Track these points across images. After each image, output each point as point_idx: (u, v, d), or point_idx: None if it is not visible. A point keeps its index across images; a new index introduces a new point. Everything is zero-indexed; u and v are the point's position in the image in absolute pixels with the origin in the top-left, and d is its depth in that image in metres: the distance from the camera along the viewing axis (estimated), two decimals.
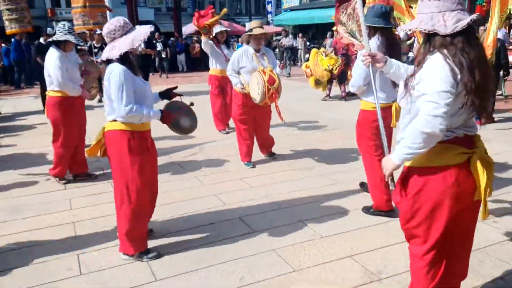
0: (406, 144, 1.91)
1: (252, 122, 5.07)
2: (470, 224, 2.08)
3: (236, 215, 3.72)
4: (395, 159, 1.99)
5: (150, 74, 14.10)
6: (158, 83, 14.33)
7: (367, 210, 3.72)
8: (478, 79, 1.80)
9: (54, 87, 4.41)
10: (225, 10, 7.47)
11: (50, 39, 4.41)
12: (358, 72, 3.41)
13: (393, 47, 3.38)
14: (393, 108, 3.07)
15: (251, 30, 4.87)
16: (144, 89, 2.96)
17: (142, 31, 2.83)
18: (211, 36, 6.63)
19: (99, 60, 3.70)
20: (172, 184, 4.54)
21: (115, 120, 2.89)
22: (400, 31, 7.31)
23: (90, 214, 3.83)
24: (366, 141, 3.63)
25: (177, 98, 3.28)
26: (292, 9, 28.56)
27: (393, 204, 3.36)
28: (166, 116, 3.04)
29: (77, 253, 3.15)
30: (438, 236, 2.00)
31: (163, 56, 17.40)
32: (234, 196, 4.16)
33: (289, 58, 17.19)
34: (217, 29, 6.78)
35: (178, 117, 3.16)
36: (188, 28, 25.91)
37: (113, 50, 2.79)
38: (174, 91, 3.30)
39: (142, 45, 10.64)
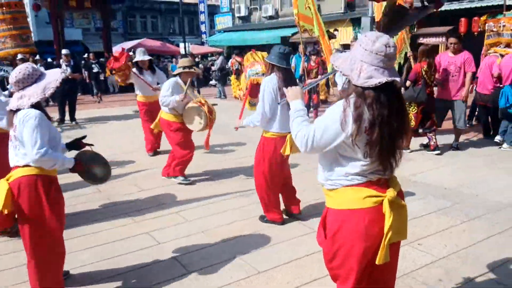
0: (294, 122, 2.15)
1: None
2: (390, 262, 2.10)
3: (171, 254, 3.60)
4: (293, 104, 2.23)
5: (78, 95, 13.48)
6: (90, 107, 13.75)
7: (262, 218, 4.23)
8: (376, 137, 1.88)
9: None
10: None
11: None
12: (267, 102, 3.83)
13: (290, 81, 3.71)
14: (288, 138, 3.74)
15: (184, 68, 5.33)
16: (57, 136, 2.90)
17: (53, 78, 2.75)
18: (128, 73, 6.73)
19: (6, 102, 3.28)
20: (101, 223, 4.30)
21: (26, 166, 2.74)
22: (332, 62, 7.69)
23: (13, 262, 3.51)
24: (262, 166, 4.03)
25: (87, 148, 3.20)
26: (225, 30, 28.92)
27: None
28: (78, 165, 2.96)
29: None
30: (357, 276, 2.06)
31: (102, 78, 16.82)
32: (169, 232, 4.03)
33: (219, 79, 16.94)
34: (138, 57, 6.83)
35: (91, 167, 3.10)
36: (119, 48, 25.31)
37: (22, 99, 2.68)
38: (83, 140, 3.22)
39: (69, 70, 10.19)
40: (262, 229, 4.04)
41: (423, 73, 6.32)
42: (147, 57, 6.84)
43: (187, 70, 5.35)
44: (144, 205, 4.79)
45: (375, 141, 1.89)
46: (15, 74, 2.70)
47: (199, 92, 15.92)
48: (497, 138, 7.03)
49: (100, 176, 3.18)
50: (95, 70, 16.68)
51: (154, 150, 7.04)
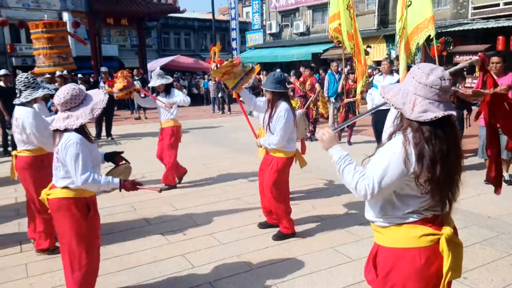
0: (345, 171, 2.00)
1: None
2: None
3: (205, 279, 3.56)
4: (334, 152, 2.08)
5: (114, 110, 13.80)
6: (125, 123, 14.07)
7: (277, 237, 4.36)
8: (439, 174, 1.80)
9: (28, 147, 4.04)
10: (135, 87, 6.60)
11: (24, 100, 3.98)
12: (286, 131, 4.16)
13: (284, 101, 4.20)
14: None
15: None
16: (98, 157, 2.98)
17: (99, 98, 2.82)
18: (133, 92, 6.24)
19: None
20: (135, 244, 4.32)
21: (66, 187, 2.84)
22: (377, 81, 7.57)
23: (49, 282, 3.57)
24: (284, 185, 4.37)
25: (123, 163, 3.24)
26: (256, 47, 29.21)
27: None
28: (126, 184, 2.95)
29: None
30: None
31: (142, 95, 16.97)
32: (203, 255, 4.01)
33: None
34: (152, 83, 6.34)
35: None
36: (154, 64, 25.93)
37: (69, 119, 2.75)
38: (121, 155, 3.26)
39: (106, 87, 10.48)
40: (297, 256, 3.95)
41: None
42: (158, 83, 6.16)
43: None
44: (178, 225, 4.80)
45: (437, 178, 1.81)
46: (62, 95, 2.75)
47: (229, 109, 16.21)
48: None
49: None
50: (137, 85, 16.84)
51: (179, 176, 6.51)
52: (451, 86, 1.84)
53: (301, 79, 10.16)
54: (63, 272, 3.25)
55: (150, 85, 6.53)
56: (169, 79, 6.36)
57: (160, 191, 3.27)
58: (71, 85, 2.87)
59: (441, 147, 1.80)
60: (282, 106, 4.17)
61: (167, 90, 6.27)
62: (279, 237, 4.35)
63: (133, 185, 2.94)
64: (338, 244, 4.19)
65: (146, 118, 15.03)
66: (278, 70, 4.38)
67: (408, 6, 7.53)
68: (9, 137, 8.64)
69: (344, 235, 4.42)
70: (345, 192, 5.81)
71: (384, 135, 2.10)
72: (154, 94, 6.46)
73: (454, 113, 1.82)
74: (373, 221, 2.06)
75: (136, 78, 11.04)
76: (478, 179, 6.09)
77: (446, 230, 1.89)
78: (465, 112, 7.46)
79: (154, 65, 25.98)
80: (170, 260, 3.93)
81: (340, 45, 9.32)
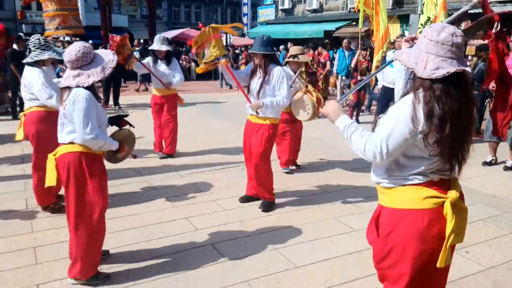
0: (352, 137, 2.00)
1: None
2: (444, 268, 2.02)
3: (208, 241, 3.60)
4: (340, 122, 2.10)
5: (123, 83, 13.78)
6: (133, 93, 14.04)
7: (268, 206, 4.30)
8: (448, 132, 1.77)
9: (37, 104, 4.03)
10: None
11: (30, 60, 3.98)
12: (289, 91, 4.17)
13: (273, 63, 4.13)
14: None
15: (293, 57, 5.30)
16: (104, 117, 2.95)
17: (109, 58, 2.79)
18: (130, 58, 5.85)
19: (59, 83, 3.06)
20: (140, 206, 4.36)
21: (72, 143, 2.82)
22: (390, 58, 7.59)
23: (53, 238, 3.62)
24: (269, 151, 4.25)
25: (127, 127, 3.27)
26: (267, 23, 28.79)
27: None
28: (122, 148, 3.05)
29: (37, 283, 2.94)
30: (408, 280, 1.96)
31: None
32: (207, 220, 4.04)
33: None
34: (154, 45, 5.97)
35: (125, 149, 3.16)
36: (166, 35, 25.71)
37: (80, 76, 2.72)
38: (125, 119, 3.27)
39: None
40: (298, 224, 3.97)
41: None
42: (164, 48, 5.90)
43: (296, 59, 5.26)
44: (182, 191, 4.83)
45: (446, 138, 1.78)
46: (74, 52, 2.71)
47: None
48: None
49: (120, 158, 3.21)
50: (136, 56, 16.55)
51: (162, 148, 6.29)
52: (464, 42, 1.79)
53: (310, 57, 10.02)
54: (68, 229, 3.30)
55: (152, 47, 6.04)
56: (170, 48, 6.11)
57: (135, 157, 3.50)
58: (82, 43, 2.82)
59: (452, 106, 1.76)
60: (277, 69, 4.07)
61: (168, 58, 5.99)
62: (267, 206, 4.28)
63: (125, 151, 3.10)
64: (340, 215, 4.20)
65: (146, 89, 14.77)
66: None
67: None
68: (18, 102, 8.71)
69: (347, 207, 4.42)
70: (350, 167, 5.80)
71: (396, 98, 2.08)
72: (150, 61, 6.05)
73: (468, 69, 1.77)
74: (379, 182, 2.04)
75: (137, 48, 10.82)
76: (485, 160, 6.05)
77: (452, 194, 1.87)
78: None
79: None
80: (174, 222, 3.97)
81: (354, 23, 9.29)
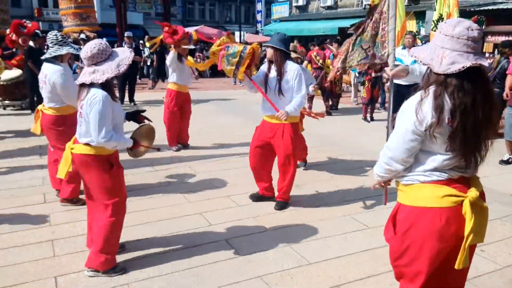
0: (378, 164, 2.07)
1: None
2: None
3: (222, 236, 3.63)
4: (375, 176, 2.14)
5: (138, 81, 13.88)
6: (149, 90, 14.16)
7: (281, 206, 4.28)
8: (459, 126, 1.76)
9: (54, 105, 4.12)
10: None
11: (48, 55, 4.05)
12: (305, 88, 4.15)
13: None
14: None
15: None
16: (120, 115, 2.99)
17: (125, 55, 2.82)
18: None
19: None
20: (156, 201, 4.42)
21: (87, 144, 2.88)
22: (399, 54, 7.54)
23: (71, 231, 3.69)
24: (296, 151, 4.22)
25: (146, 122, 3.29)
26: (281, 20, 28.70)
27: None
28: (136, 145, 3.09)
29: (55, 275, 3.01)
30: (424, 278, 1.95)
31: (148, 63, 16.81)
32: (220, 215, 4.07)
33: None
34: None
35: (141, 144, 3.20)
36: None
37: (95, 73, 2.75)
38: (142, 114, 3.30)
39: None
40: (312, 221, 3.97)
41: None
42: (191, 46, 6.44)
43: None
44: (196, 186, 4.87)
45: (457, 133, 1.76)
46: (89, 49, 2.76)
47: None
48: None
49: (141, 152, 3.26)
50: (146, 54, 16.33)
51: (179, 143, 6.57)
52: (481, 36, 1.77)
53: (314, 53, 9.94)
54: (86, 222, 3.38)
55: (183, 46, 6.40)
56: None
57: (158, 149, 3.50)
58: (98, 40, 2.87)
59: (464, 100, 1.75)
60: (293, 66, 4.04)
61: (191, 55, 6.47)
62: (283, 207, 4.26)
63: (139, 146, 3.14)
64: (354, 212, 4.19)
65: (153, 86, 14.80)
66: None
67: None
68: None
69: (361, 204, 4.40)
70: (364, 164, 5.77)
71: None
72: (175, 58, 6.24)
73: (485, 63, 1.76)
74: (398, 180, 2.03)
75: (128, 45, 10.65)
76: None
77: (472, 193, 1.85)
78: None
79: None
80: (188, 217, 4.01)
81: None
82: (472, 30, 1.76)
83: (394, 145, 1.93)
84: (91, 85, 2.79)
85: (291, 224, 3.92)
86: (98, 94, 2.76)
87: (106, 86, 2.82)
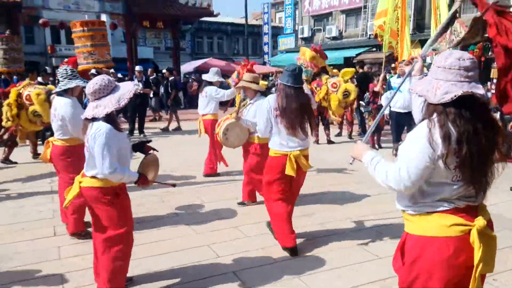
0: (376, 168, 2.02)
1: None
2: None
3: (230, 269, 3.61)
4: (365, 157, 2.11)
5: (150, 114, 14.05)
6: (159, 121, 14.35)
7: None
8: (466, 154, 1.77)
9: (62, 136, 4.22)
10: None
11: (59, 89, 4.21)
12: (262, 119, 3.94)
13: (298, 98, 3.84)
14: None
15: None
16: (126, 146, 3.04)
17: (127, 89, 2.89)
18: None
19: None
20: (163, 232, 4.43)
21: (93, 177, 2.93)
22: (394, 83, 7.60)
23: (79, 265, 3.70)
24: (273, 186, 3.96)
25: (151, 152, 3.34)
26: (288, 51, 29.22)
27: None
28: (142, 180, 3.09)
29: None
30: None
31: (151, 95, 16.78)
32: (228, 247, 4.06)
33: None
34: (209, 77, 6.92)
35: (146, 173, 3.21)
36: (187, 67, 26.41)
37: (97, 108, 2.84)
38: (148, 144, 3.35)
39: (140, 85, 10.77)
40: (321, 252, 3.94)
41: None
42: (216, 78, 6.82)
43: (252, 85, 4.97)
44: (205, 217, 4.88)
45: (465, 161, 1.78)
46: (92, 85, 2.87)
47: None
48: None
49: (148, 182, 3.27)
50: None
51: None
52: (474, 65, 1.82)
53: (315, 85, 9.08)
54: (93, 255, 3.40)
55: (206, 77, 6.92)
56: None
57: (174, 185, 3.45)
58: (101, 76, 2.97)
59: (467, 127, 1.78)
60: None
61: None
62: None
63: (148, 181, 3.15)
64: (364, 242, 4.15)
65: (156, 119, 14.86)
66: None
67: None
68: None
69: (371, 234, 4.36)
70: (373, 192, 5.74)
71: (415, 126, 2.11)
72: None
73: (478, 91, 1.79)
74: (404, 210, 2.04)
75: (138, 79, 11.01)
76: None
77: (479, 222, 1.84)
78: None
79: (188, 67, 26.45)
80: (196, 249, 4.01)
81: (374, 49, 9.47)
82: (464, 60, 1.82)
83: (406, 168, 1.88)
84: (95, 119, 2.87)
85: (300, 255, 3.89)
86: (101, 127, 2.83)
87: (109, 118, 2.88)
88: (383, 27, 9.38)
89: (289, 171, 3.80)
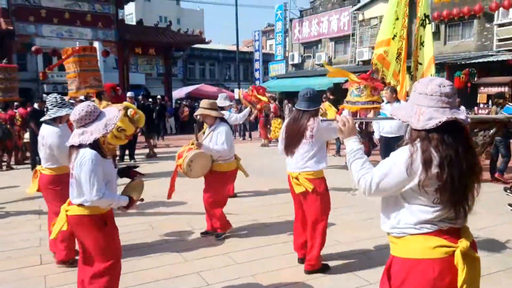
0: (352, 165, 2.09)
1: None
2: None
3: None
4: (347, 146, 2.16)
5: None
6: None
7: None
8: (447, 179, 1.81)
9: (50, 165, 4.20)
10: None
11: (48, 118, 4.22)
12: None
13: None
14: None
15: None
16: (112, 173, 3.02)
17: (113, 115, 2.91)
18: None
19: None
20: (152, 260, 4.36)
21: (81, 205, 2.90)
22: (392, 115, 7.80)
23: None
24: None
25: (138, 178, 3.33)
26: (278, 77, 29.61)
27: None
28: (132, 204, 3.07)
29: None
30: None
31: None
32: (218, 274, 3.99)
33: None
34: (220, 102, 7.14)
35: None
36: (179, 93, 26.60)
37: (83, 135, 2.83)
38: (134, 169, 3.35)
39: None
40: (312, 278, 3.89)
41: None
42: (227, 103, 7.31)
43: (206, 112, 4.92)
44: (194, 244, 4.82)
45: (446, 184, 1.82)
46: (77, 112, 2.87)
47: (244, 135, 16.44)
48: None
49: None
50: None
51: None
52: (454, 91, 1.88)
53: None
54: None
55: (219, 104, 6.93)
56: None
57: (142, 200, 3.35)
58: (86, 103, 2.98)
59: (449, 153, 1.82)
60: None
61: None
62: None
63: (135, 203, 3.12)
64: (356, 268, 4.11)
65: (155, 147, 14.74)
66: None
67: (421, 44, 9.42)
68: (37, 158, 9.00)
69: (362, 259, 4.33)
70: (364, 217, 5.73)
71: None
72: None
73: (460, 116, 1.84)
74: (389, 232, 2.05)
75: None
76: (505, 207, 5.92)
77: (462, 243, 1.87)
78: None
79: (179, 93, 26.65)
80: (185, 277, 3.94)
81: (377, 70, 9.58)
82: (444, 86, 1.87)
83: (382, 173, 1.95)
84: (80, 146, 2.85)
85: (291, 282, 3.83)
86: (87, 153, 2.81)
87: (95, 145, 2.87)
88: (382, 56, 9.51)
89: (293, 189, 4.05)
